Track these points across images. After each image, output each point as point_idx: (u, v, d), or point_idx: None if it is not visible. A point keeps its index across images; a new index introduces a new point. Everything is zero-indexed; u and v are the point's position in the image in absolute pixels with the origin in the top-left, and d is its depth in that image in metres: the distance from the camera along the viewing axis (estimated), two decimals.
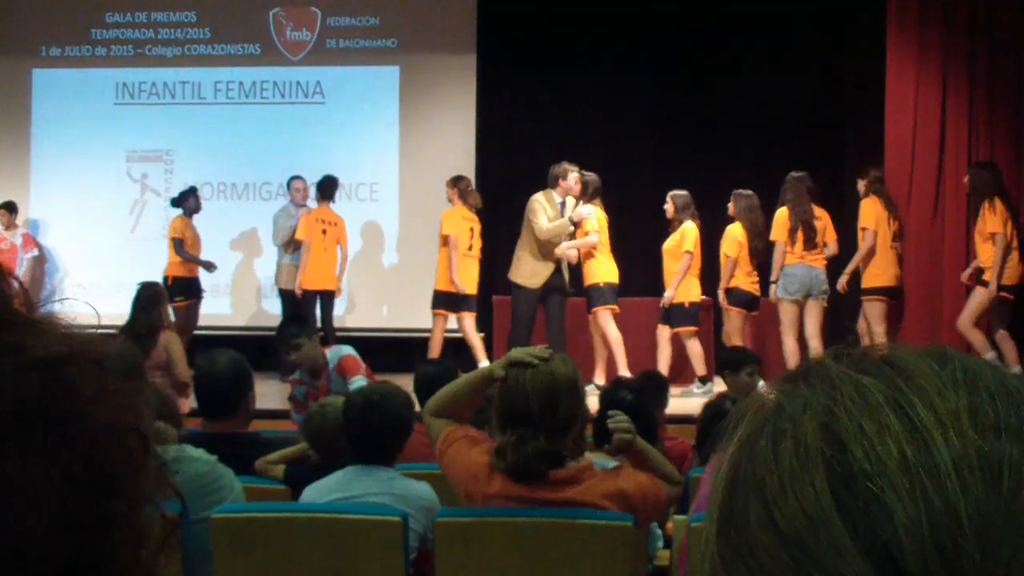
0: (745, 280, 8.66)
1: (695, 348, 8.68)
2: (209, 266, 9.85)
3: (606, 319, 8.61)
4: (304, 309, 9.35)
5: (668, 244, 8.83)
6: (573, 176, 8.83)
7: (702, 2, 10.49)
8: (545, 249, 8.86)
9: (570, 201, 8.98)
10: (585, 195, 8.74)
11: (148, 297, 7.06)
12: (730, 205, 8.81)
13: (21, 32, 11.47)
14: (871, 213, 8.46)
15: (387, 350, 9.81)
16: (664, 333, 8.76)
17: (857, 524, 0.53)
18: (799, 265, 8.47)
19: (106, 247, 11.01)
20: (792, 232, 8.47)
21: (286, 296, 9.73)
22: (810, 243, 8.48)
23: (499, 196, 10.16)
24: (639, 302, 9.42)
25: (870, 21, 9.37)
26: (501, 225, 9.56)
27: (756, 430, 0.60)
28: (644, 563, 3.39)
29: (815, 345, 8.34)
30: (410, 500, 3.31)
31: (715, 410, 4.48)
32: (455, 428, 3.09)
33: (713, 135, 10.60)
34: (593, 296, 8.66)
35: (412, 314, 9.80)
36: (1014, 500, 0.53)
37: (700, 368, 8.66)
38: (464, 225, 9.19)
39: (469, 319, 9.24)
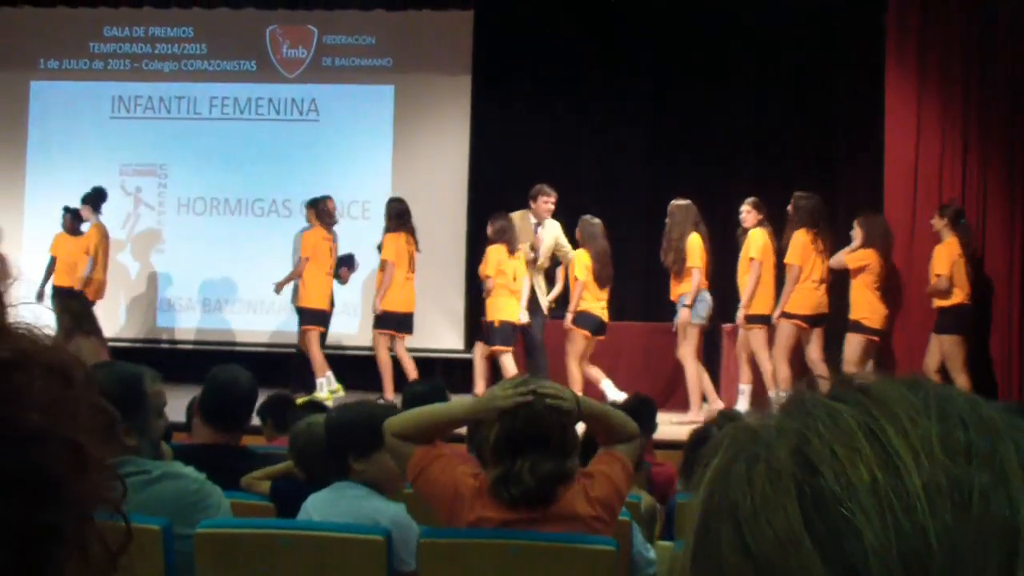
0: (595, 304, 8.71)
1: (508, 366, 8.67)
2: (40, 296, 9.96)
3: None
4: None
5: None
6: (541, 199, 8.97)
7: (699, 26, 10.52)
8: None
9: (550, 224, 9.06)
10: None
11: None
12: (577, 231, 8.92)
13: (20, 44, 11.48)
14: (760, 245, 8.59)
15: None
16: (478, 350, 8.98)
17: (826, 546, 0.54)
18: (705, 291, 8.66)
19: None
20: (708, 262, 8.69)
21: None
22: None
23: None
24: (630, 326, 9.45)
25: (867, 44, 9.42)
26: None
27: (732, 457, 0.61)
28: None
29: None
30: (381, 522, 3.18)
31: (701, 436, 4.51)
32: (429, 448, 2.98)
33: (706, 156, 10.61)
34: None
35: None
36: (982, 524, 0.53)
37: None
38: (324, 246, 9.40)
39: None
